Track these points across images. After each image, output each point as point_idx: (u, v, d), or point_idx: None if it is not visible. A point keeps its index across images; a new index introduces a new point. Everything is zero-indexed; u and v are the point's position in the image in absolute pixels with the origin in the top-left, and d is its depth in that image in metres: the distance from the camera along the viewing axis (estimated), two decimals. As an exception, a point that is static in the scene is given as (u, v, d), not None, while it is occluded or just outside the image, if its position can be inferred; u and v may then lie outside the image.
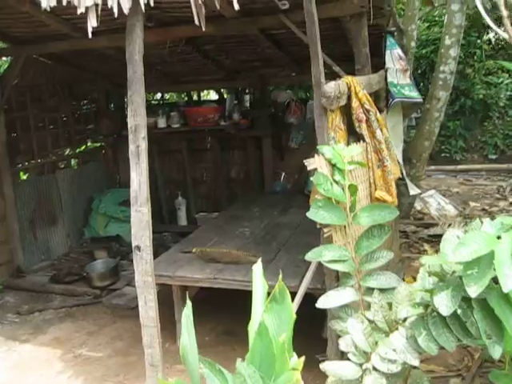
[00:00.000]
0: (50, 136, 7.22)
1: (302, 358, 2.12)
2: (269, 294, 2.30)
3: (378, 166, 3.40)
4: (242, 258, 4.29)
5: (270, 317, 2.27)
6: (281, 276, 2.32)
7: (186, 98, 8.55)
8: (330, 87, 2.98)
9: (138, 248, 3.43)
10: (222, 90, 8.35)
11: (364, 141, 3.43)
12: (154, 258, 3.51)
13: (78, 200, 7.59)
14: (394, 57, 5.49)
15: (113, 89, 8.02)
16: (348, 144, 3.30)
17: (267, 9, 4.59)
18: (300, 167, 7.31)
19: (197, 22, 2.94)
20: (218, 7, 2.87)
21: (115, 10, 2.93)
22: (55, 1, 2.99)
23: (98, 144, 8.21)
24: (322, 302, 2.88)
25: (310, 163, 2.93)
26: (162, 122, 7.42)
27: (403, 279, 5.31)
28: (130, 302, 5.57)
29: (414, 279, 4.20)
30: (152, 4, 2.96)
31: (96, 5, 2.95)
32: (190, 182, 7.91)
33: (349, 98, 3.32)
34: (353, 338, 2.55)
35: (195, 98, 8.59)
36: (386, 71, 5.22)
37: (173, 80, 7.65)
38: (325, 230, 3.06)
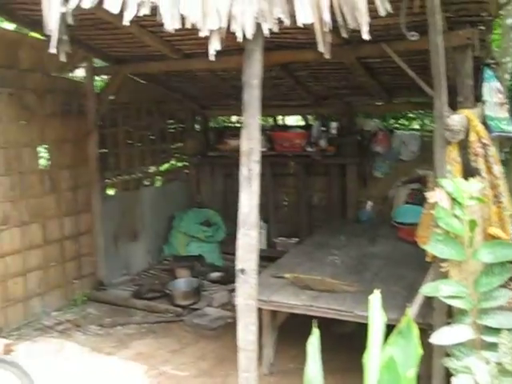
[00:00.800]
0: (138, 153, 7.37)
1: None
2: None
3: (494, 202, 3.27)
4: (336, 286, 4.20)
5: (395, 351, 2.19)
6: (408, 310, 2.23)
7: (272, 122, 8.58)
8: (455, 120, 2.89)
9: (243, 271, 3.38)
10: (309, 116, 8.33)
11: (480, 176, 3.31)
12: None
13: (159, 217, 7.70)
14: (492, 90, 5.33)
15: (199, 110, 8.13)
16: (464, 178, 3.19)
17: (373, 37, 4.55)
18: (384, 197, 7.20)
19: (321, 49, 2.91)
20: (345, 36, 2.84)
21: (239, 35, 2.93)
22: (179, 24, 3.02)
23: (182, 163, 8.32)
24: (436, 338, 2.77)
25: (431, 196, 2.84)
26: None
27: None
28: (211, 322, 5.56)
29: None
30: (276, 30, 2.96)
31: (220, 28, 2.96)
32: (271, 206, 7.88)
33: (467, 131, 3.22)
34: (476, 379, 2.42)
35: (280, 122, 8.62)
36: (483, 104, 5.08)
37: (261, 104, 7.68)
38: (442, 264, 2.94)
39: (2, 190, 5.39)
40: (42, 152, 6.26)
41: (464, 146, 3.36)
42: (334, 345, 4.39)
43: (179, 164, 8.32)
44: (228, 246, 7.37)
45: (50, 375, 4.44)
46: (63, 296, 6.18)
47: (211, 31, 2.97)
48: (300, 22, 2.87)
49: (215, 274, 6.79)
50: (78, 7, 3.08)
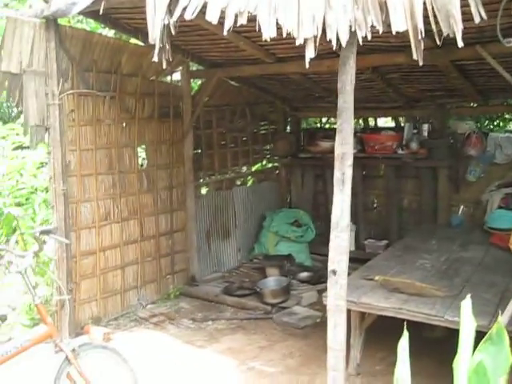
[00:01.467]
0: (230, 154, 7.58)
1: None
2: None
3: None
4: (426, 290, 4.16)
5: (485, 357, 2.18)
6: (499, 316, 2.22)
7: (363, 124, 8.56)
8: None
9: (334, 272, 3.44)
10: (400, 118, 8.24)
11: None
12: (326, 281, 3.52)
13: (250, 217, 7.87)
14: None
15: (290, 112, 8.24)
16: None
17: (463, 40, 4.47)
18: (477, 201, 7.02)
19: (415, 56, 2.92)
20: (439, 43, 2.84)
21: (334, 43, 3.00)
22: (275, 32, 3.12)
23: (273, 164, 8.46)
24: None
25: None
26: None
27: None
28: (299, 321, 5.64)
29: None
30: (370, 37, 3.00)
31: (315, 36, 3.04)
32: (360, 208, 7.87)
33: None
34: None
35: (372, 124, 8.57)
36: None
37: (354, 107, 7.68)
38: None
39: (104, 187, 5.73)
40: (141, 152, 6.56)
41: None
42: (424, 349, 4.36)
43: (270, 165, 8.47)
44: (317, 247, 7.49)
45: (146, 364, 4.67)
46: (158, 290, 6.46)
47: (306, 39, 3.06)
48: (395, 29, 2.90)
49: (304, 274, 6.86)
50: (181, 18, 3.27)
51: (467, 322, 2.37)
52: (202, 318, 5.92)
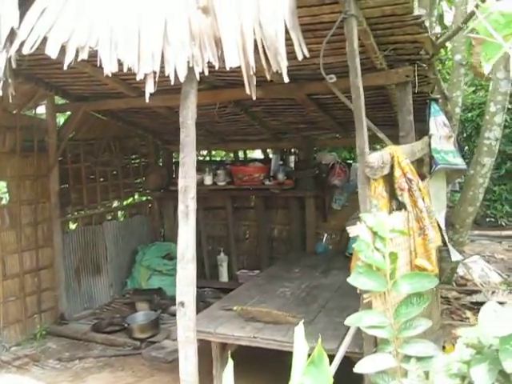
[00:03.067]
0: (100, 188, 7.50)
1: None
2: (309, 355, 2.35)
3: (419, 234, 3.44)
4: (281, 318, 4.33)
5: (308, 379, 2.32)
6: (320, 339, 2.37)
7: (233, 156, 8.77)
8: (374, 158, 3.08)
9: (182, 304, 3.51)
10: (268, 150, 8.53)
11: (405, 209, 3.49)
12: (196, 314, 3.58)
13: (122, 251, 7.79)
14: (438, 123, 5.58)
15: (162, 145, 8.31)
16: (390, 212, 3.36)
17: (314, 75, 4.77)
18: (342, 229, 7.36)
19: (248, 91, 3.08)
20: (269, 78, 3.02)
21: (172, 78, 3.11)
22: (116, 67, 3.19)
23: (145, 198, 8.45)
24: (359, 367, 2.90)
25: (352, 230, 3.01)
26: (208, 180, 7.60)
27: (444, 346, 5.24)
28: (168, 355, 5.63)
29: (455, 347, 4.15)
30: (207, 73, 3.15)
31: (154, 72, 3.14)
32: (232, 239, 8.02)
33: (392, 167, 3.41)
34: None
35: (242, 156, 8.79)
36: (429, 137, 5.30)
37: (220, 138, 7.88)
38: (365, 295, 3.10)
39: (-41, 226, 5.48)
40: (2, 188, 6.35)
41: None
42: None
43: (142, 198, 8.45)
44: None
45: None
46: (23, 330, 6.20)
47: (146, 74, 3.16)
48: (228, 65, 3.06)
49: (175, 307, 6.82)
50: (19, 52, 3.26)
51: (299, 347, 2.51)
52: (69, 358, 5.76)
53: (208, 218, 8.25)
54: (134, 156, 8.27)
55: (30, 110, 6.45)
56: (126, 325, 6.08)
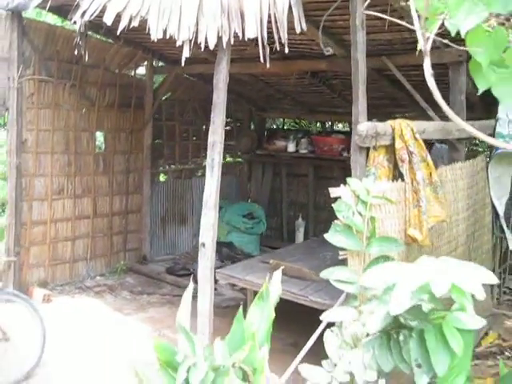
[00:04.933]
0: (192, 146, 8.15)
1: (266, 349, 2.54)
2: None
3: (415, 205, 3.63)
4: (306, 274, 4.70)
5: (256, 309, 2.74)
6: (267, 279, 2.76)
7: (320, 127, 9.09)
8: (363, 126, 3.35)
9: (203, 245, 4.02)
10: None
11: (402, 180, 3.68)
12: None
13: (208, 206, 8.42)
14: (510, 108, 5.53)
15: (256, 111, 8.79)
16: (392, 181, 3.60)
17: (373, 51, 4.99)
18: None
19: (262, 59, 3.47)
20: (278, 48, 3.38)
21: (202, 45, 3.58)
22: (161, 34, 3.71)
23: (236, 159, 9.02)
24: (325, 316, 3.19)
25: (334, 191, 3.30)
26: (291, 147, 8.01)
27: (486, 333, 5.33)
28: (223, 301, 6.19)
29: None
30: (232, 42, 3.57)
31: (190, 40, 3.62)
32: (311, 206, 8.39)
33: (393, 138, 3.63)
34: (326, 349, 2.86)
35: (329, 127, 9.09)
36: (496, 121, 5.31)
37: (308, 109, 8.21)
38: (340, 252, 3.37)
39: (59, 165, 6.35)
40: (100, 137, 7.19)
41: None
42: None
43: (233, 159, 9.02)
44: (269, 240, 8.07)
45: (68, 321, 5.29)
46: (107, 264, 7.07)
47: (183, 41, 3.65)
48: (247, 35, 3.47)
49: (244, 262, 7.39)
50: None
51: (274, 288, 2.92)
52: (139, 292, 6.52)
53: (291, 184, 8.67)
54: (228, 120, 8.82)
55: (130, 71, 7.17)
56: (192, 270, 6.71)
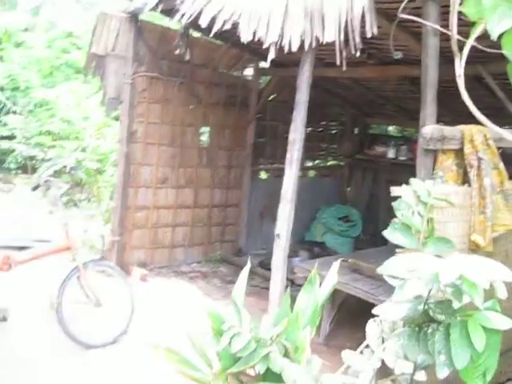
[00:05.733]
0: (294, 147, 8.39)
1: (309, 329, 2.74)
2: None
3: (481, 211, 3.62)
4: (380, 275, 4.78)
5: (304, 294, 2.95)
6: (316, 265, 2.96)
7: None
8: (427, 129, 3.43)
9: (278, 236, 4.26)
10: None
11: (469, 185, 3.69)
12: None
13: (306, 207, 8.61)
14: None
15: (360, 116, 8.89)
16: (459, 185, 3.64)
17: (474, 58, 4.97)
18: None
19: (338, 62, 3.65)
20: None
21: (286, 48, 3.82)
22: (251, 37, 4.00)
23: (337, 162, 9.16)
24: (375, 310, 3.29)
25: (395, 190, 3.40)
26: (391, 153, 8.04)
27: None
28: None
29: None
30: (313, 46, 3.78)
31: (275, 43, 3.88)
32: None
33: (462, 143, 3.65)
34: (367, 338, 2.97)
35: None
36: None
37: (411, 116, 8.18)
38: (397, 250, 3.45)
39: (165, 156, 6.84)
40: (205, 133, 7.63)
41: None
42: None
43: (334, 162, 9.17)
44: (363, 244, 8.13)
45: (159, 299, 5.73)
46: (204, 253, 7.50)
47: (270, 44, 3.92)
48: (326, 39, 3.67)
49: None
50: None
51: (330, 280, 3.14)
52: (230, 281, 6.85)
53: (389, 190, 8.63)
54: (332, 123, 9.00)
55: (238, 71, 7.55)
56: (280, 264, 6.96)
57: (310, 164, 8.88)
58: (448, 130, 3.53)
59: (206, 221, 7.46)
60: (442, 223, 3.42)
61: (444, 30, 2.25)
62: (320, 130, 8.79)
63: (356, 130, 9.08)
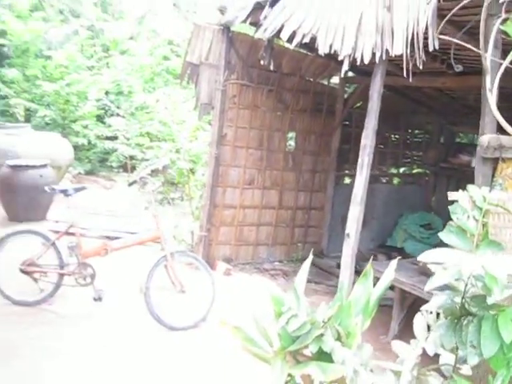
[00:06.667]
0: (378, 154, 8.57)
1: (361, 318, 3.02)
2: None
3: None
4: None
5: (359, 286, 3.24)
6: (371, 260, 3.23)
7: None
8: (485, 138, 3.59)
9: (348, 235, 4.54)
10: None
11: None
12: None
13: (389, 213, 8.79)
14: None
15: (446, 124, 8.93)
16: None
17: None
18: None
19: (405, 74, 3.88)
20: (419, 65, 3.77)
21: (358, 60, 4.11)
22: (327, 49, 4.32)
23: (422, 170, 9.24)
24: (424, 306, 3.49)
25: (452, 195, 3.59)
26: (474, 162, 8.01)
27: None
28: (382, 300, 6.57)
29: None
30: (384, 58, 4.04)
31: (349, 55, 4.18)
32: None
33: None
34: (414, 329, 3.20)
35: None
36: None
37: (499, 125, 8.14)
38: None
39: (252, 159, 7.27)
40: (291, 138, 7.98)
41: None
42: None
43: (419, 170, 9.25)
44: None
45: (239, 292, 6.13)
46: (286, 252, 7.85)
47: (344, 56, 4.22)
48: (394, 52, 3.93)
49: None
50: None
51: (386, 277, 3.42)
52: (309, 280, 7.13)
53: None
54: (418, 131, 9.10)
55: (324, 80, 7.85)
56: (357, 267, 7.18)
57: (395, 171, 9.01)
58: (506, 139, 3.69)
59: (290, 222, 7.81)
60: (498, 228, 3.57)
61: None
62: (407, 137, 8.91)
63: (442, 139, 9.13)
